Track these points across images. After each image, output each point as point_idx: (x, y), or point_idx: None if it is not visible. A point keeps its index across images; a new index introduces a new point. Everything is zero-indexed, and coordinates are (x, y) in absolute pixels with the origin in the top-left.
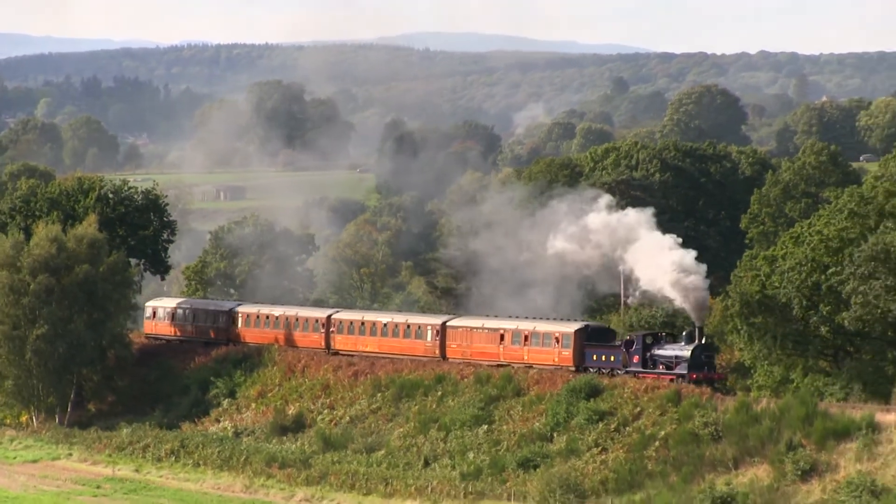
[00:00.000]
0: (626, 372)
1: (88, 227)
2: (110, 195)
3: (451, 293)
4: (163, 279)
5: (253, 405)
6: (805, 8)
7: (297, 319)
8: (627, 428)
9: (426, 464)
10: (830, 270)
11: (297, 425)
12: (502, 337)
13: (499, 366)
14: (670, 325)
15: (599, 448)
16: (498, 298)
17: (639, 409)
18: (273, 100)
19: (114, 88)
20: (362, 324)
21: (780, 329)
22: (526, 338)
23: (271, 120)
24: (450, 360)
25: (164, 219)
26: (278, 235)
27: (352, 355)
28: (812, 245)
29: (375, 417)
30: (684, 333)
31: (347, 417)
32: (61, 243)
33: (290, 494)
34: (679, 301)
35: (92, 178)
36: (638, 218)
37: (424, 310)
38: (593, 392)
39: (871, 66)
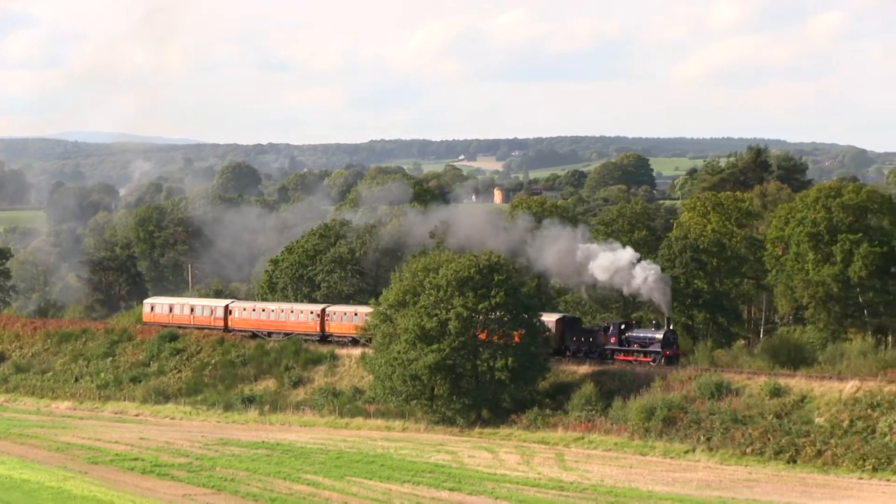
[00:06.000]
0: (604, 350)
1: None
2: None
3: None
4: None
5: None
6: (297, 119)
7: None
8: (193, 358)
9: (76, 380)
10: (308, 268)
11: (1, 358)
12: None
13: None
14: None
15: (177, 370)
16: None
17: (200, 347)
18: None
19: None
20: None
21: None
22: None
23: None
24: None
25: None
26: None
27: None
28: (298, 253)
29: (47, 353)
30: (654, 322)
31: (30, 353)
32: None
33: None
34: (655, 297)
35: None
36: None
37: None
38: (173, 338)
39: (332, 151)
